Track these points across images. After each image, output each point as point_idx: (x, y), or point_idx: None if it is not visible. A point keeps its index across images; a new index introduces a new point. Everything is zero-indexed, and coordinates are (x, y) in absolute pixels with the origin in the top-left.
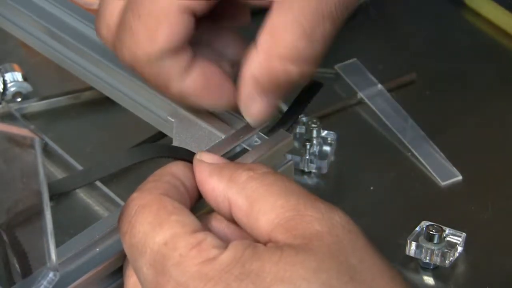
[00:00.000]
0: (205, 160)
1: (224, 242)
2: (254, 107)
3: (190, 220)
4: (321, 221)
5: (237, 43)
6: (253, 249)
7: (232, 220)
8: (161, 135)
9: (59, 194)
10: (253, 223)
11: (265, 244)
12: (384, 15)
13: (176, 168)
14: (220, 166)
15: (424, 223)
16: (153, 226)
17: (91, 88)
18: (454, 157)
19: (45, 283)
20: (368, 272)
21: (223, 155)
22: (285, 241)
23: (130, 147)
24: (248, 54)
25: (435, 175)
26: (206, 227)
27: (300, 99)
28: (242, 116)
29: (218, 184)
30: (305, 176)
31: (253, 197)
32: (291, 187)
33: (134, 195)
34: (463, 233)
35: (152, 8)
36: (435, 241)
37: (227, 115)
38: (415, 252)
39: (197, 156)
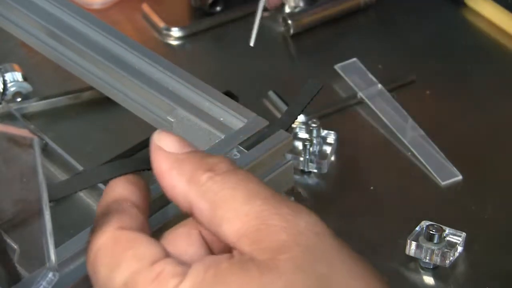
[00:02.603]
0: (163, 146)
1: (186, 266)
2: None
3: (147, 249)
4: (287, 229)
5: None
6: (215, 270)
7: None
8: None
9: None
10: (216, 228)
11: (230, 249)
12: (384, 15)
13: (119, 189)
14: (180, 159)
15: (424, 223)
16: (111, 268)
17: (91, 88)
18: (454, 157)
19: (44, 283)
20: (339, 276)
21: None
22: (251, 254)
23: (130, 147)
24: None
25: (435, 175)
26: (167, 246)
27: (300, 99)
28: (242, 117)
29: (178, 182)
30: (305, 176)
31: (215, 201)
32: (254, 189)
33: (90, 237)
34: (463, 233)
35: None
36: (435, 241)
37: (227, 116)
38: (415, 252)
39: (155, 139)
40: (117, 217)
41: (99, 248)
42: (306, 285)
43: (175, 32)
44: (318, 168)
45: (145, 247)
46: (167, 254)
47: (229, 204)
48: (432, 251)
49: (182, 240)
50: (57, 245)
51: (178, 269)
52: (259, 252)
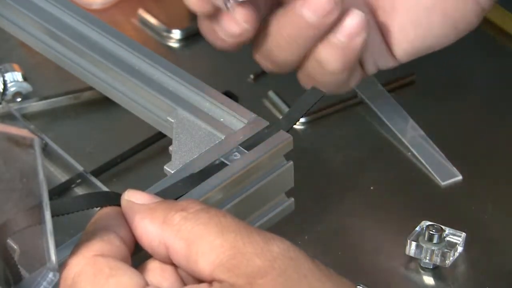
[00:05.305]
0: (134, 200)
1: None
2: None
3: (129, 278)
4: (260, 255)
5: None
6: None
7: (171, 263)
8: (161, 135)
9: (58, 195)
10: (193, 265)
11: (210, 282)
12: None
13: (107, 218)
14: (151, 208)
15: (424, 223)
16: None
17: (91, 88)
18: (454, 157)
19: (44, 283)
20: None
21: (221, 157)
22: (229, 280)
23: (130, 147)
24: None
25: (435, 175)
26: (150, 275)
27: (301, 104)
28: (242, 117)
29: (151, 227)
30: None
31: (190, 238)
32: (226, 223)
33: (68, 260)
34: (463, 233)
35: None
36: (435, 241)
37: (227, 116)
38: (415, 252)
39: (125, 196)
40: (100, 245)
41: (79, 273)
42: None
43: (175, 33)
44: None
45: (127, 275)
46: (147, 284)
47: (203, 239)
48: (432, 251)
49: (156, 274)
50: (57, 245)
51: None
52: (236, 278)
